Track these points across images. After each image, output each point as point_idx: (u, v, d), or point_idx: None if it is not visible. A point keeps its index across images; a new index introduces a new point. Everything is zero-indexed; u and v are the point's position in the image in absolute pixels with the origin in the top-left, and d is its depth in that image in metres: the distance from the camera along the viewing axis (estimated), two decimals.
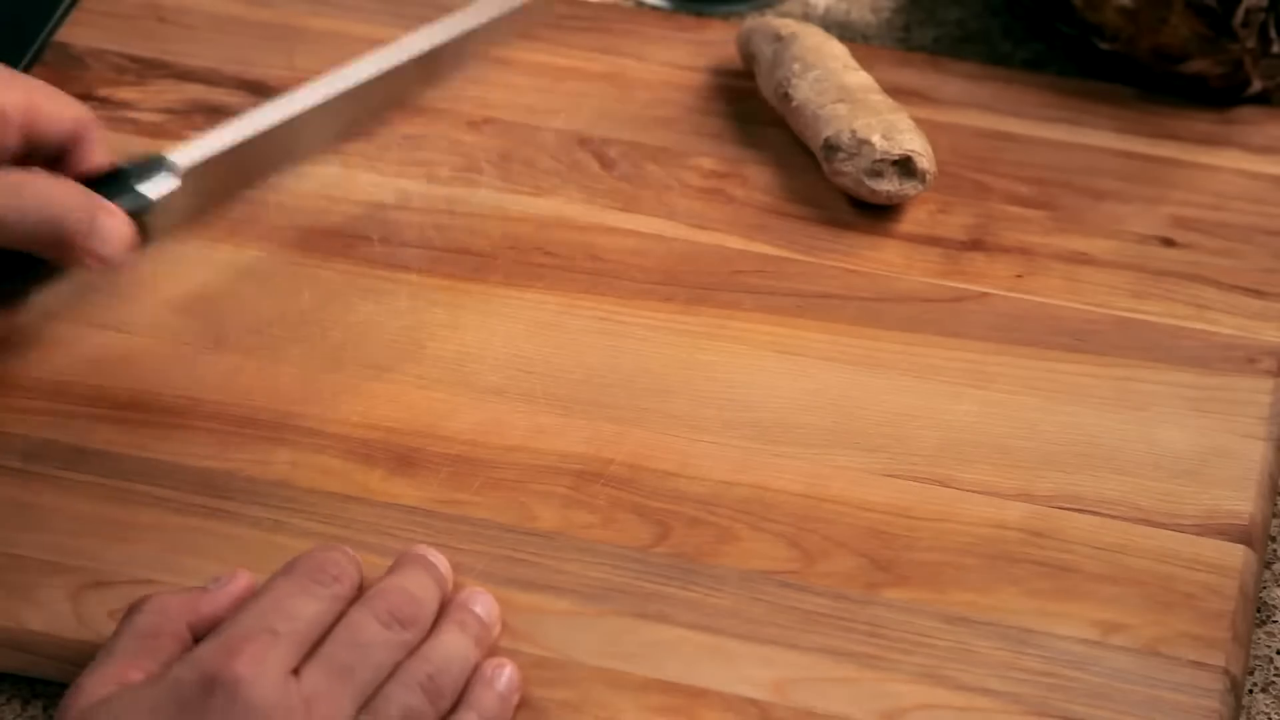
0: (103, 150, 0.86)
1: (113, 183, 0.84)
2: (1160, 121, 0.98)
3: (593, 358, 0.87)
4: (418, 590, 0.75)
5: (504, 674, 0.75)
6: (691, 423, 0.85)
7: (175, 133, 0.96)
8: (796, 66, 0.94)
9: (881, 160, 0.91)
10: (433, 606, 0.75)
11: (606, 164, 0.95)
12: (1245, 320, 0.89)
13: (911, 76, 0.99)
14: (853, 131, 0.91)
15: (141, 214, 0.85)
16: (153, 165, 0.86)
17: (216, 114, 0.96)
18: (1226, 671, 0.77)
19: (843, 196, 0.94)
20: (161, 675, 0.70)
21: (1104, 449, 0.84)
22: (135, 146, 0.91)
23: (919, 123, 0.95)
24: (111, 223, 0.83)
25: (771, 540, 0.81)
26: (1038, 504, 0.82)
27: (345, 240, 0.92)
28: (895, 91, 0.98)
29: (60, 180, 0.82)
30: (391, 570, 0.76)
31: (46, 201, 0.81)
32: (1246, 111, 0.98)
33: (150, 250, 0.86)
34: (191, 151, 0.87)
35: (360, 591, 0.75)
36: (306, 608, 0.73)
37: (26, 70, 0.99)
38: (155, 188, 0.86)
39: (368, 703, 0.71)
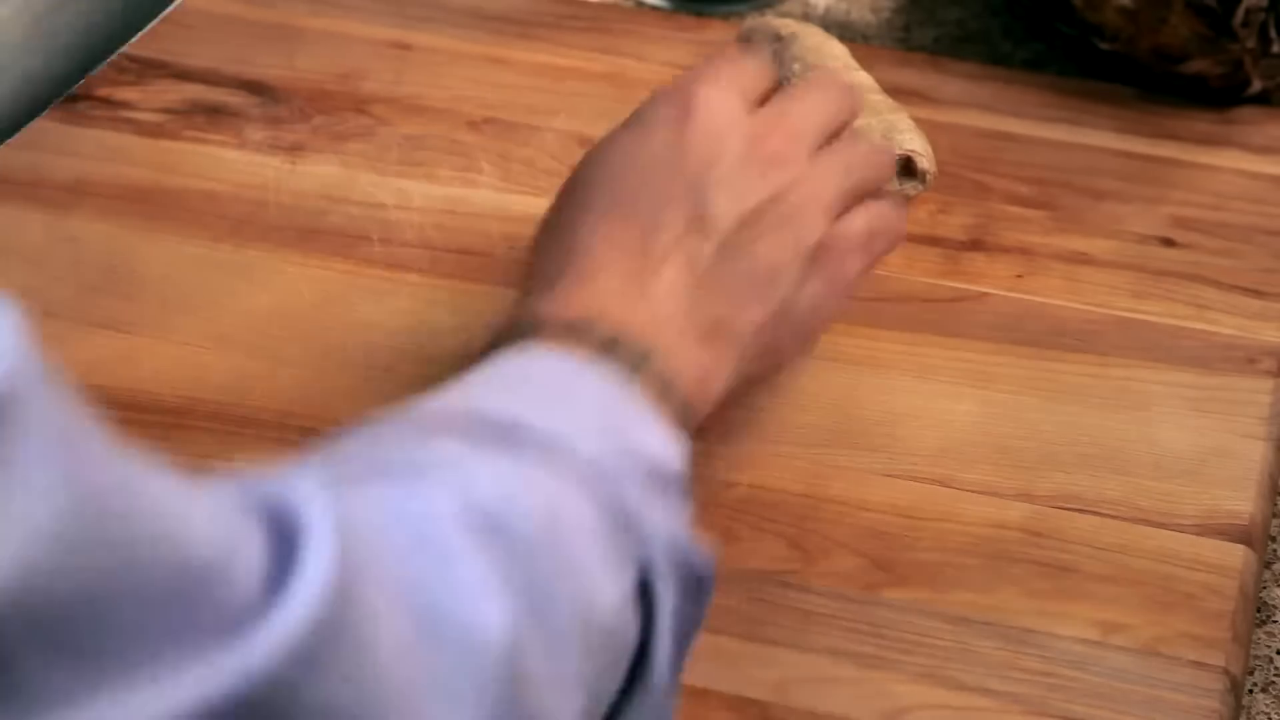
0: None
1: None
2: (1160, 121, 0.98)
3: None
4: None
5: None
6: None
7: (175, 133, 0.96)
8: (797, 66, 0.94)
9: None
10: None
11: None
12: (1245, 320, 0.89)
13: (911, 76, 0.99)
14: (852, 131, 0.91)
15: None
16: None
17: (216, 114, 0.97)
18: (1226, 671, 0.77)
19: None
20: (640, 108, 0.78)
21: (1104, 449, 0.84)
22: (135, 146, 0.91)
23: (919, 123, 0.95)
24: None
25: (771, 540, 0.81)
26: (1038, 504, 0.82)
27: (345, 240, 0.92)
28: (895, 91, 0.98)
29: None
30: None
31: None
32: (1246, 111, 0.98)
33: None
34: None
35: None
36: (747, 68, 0.79)
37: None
38: None
39: (827, 141, 0.78)
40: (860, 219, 0.78)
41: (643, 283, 0.73)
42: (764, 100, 0.79)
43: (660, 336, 0.71)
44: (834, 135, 0.79)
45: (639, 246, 0.73)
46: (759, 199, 0.75)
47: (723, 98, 0.76)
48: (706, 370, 0.73)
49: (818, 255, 0.76)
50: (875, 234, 0.79)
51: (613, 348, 0.70)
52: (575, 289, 0.72)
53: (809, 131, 0.78)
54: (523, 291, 0.74)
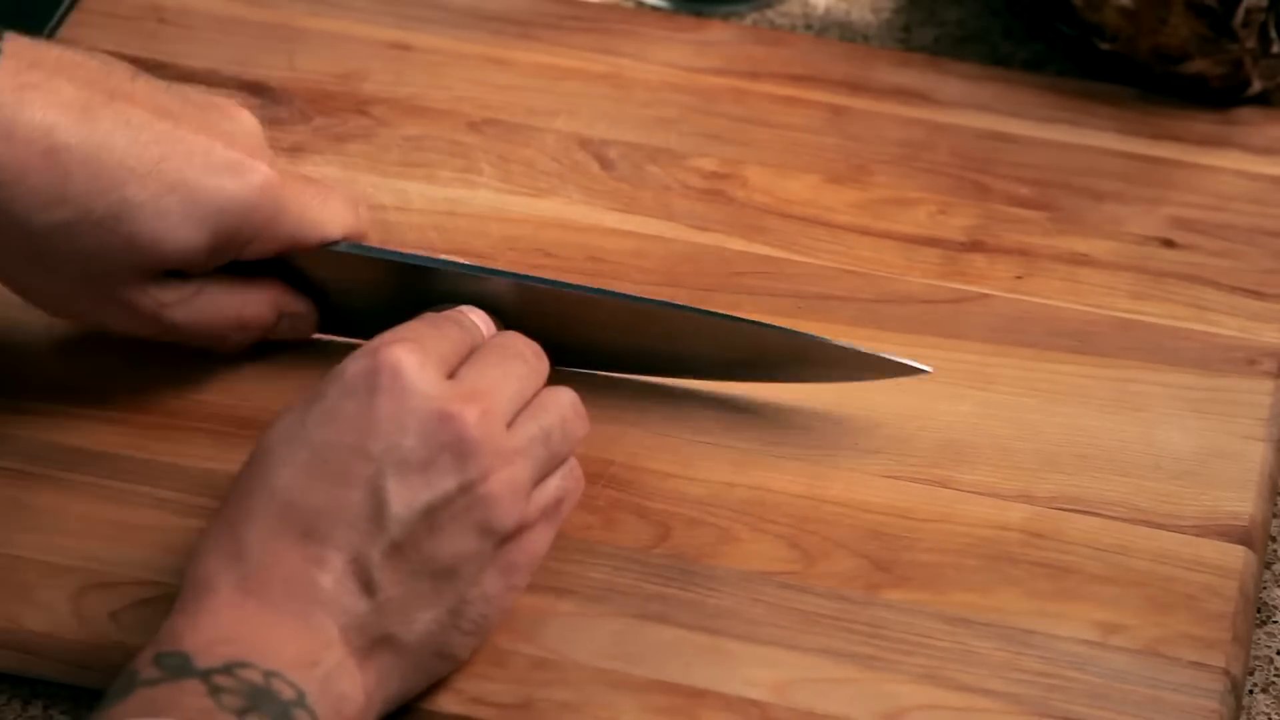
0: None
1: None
2: (1160, 122, 0.98)
3: None
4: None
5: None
6: (691, 423, 0.85)
7: None
8: None
9: None
10: None
11: (606, 165, 0.95)
12: (1245, 321, 0.89)
13: (911, 76, 0.99)
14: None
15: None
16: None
17: None
18: (1226, 672, 0.77)
19: (843, 198, 0.94)
20: (326, 376, 0.74)
21: (1104, 450, 0.84)
22: None
23: (919, 123, 0.96)
24: (294, 325, 0.85)
25: (771, 541, 0.81)
26: (1038, 505, 0.82)
27: None
28: (895, 92, 0.99)
29: (244, 299, 0.83)
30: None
31: (222, 333, 0.83)
32: (1246, 112, 0.98)
33: None
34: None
35: None
36: (450, 331, 0.77)
37: None
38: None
39: (522, 409, 0.76)
40: (552, 489, 0.76)
41: (303, 598, 0.70)
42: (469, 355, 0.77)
43: (317, 668, 0.69)
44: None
45: (304, 552, 0.70)
46: (445, 491, 0.72)
47: (419, 369, 0.73)
48: (368, 693, 0.71)
49: (505, 542, 0.74)
50: (565, 497, 0.77)
51: (259, 701, 0.67)
52: (227, 610, 0.70)
53: (509, 401, 0.75)
54: (185, 584, 0.71)
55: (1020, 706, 0.76)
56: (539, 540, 0.76)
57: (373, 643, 0.71)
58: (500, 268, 0.85)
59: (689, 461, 0.83)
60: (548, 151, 0.96)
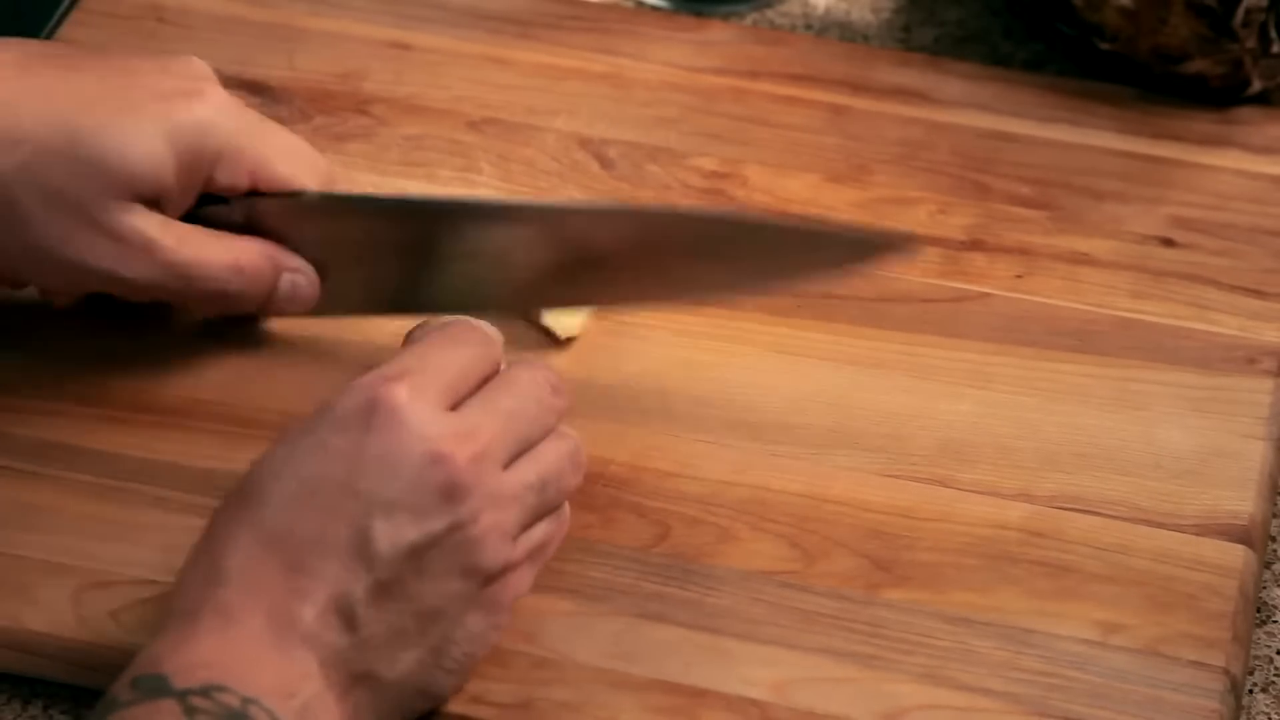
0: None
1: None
2: (1160, 121, 0.98)
3: (592, 358, 0.87)
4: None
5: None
6: (691, 423, 0.85)
7: None
8: None
9: None
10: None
11: (606, 164, 0.95)
12: (1246, 320, 0.89)
13: (911, 76, 0.99)
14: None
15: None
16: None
17: None
18: (1226, 671, 0.77)
19: (843, 197, 0.94)
20: (320, 406, 0.73)
21: (1104, 449, 0.84)
22: None
23: (919, 122, 0.96)
24: (288, 284, 0.83)
25: (771, 540, 0.81)
26: (1038, 504, 0.82)
27: None
28: (895, 91, 0.99)
29: (238, 246, 0.82)
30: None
31: (218, 278, 0.81)
32: (1246, 111, 0.98)
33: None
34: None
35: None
36: (458, 356, 0.75)
37: None
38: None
39: (523, 453, 0.74)
40: (539, 533, 0.76)
41: (284, 630, 0.69)
42: (479, 385, 0.75)
43: (294, 699, 0.68)
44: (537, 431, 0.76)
45: (288, 585, 0.70)
46: (432, 532, 0.71)
47: (414, 406, 0.72)
48: None
49: (490, 582, 0.73)
50: (550, 542, 0.77)
51: None
52: (207, 637, 0.69)
53: (511, 443, 0.74)
54: (167, 611, 0.71)
55: (1020, 706, 0.76)
56: (522, 581, 0.75)
57: (353, 678, 0.71)
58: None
59: (689, 461, 0.83)
60: (548, 151, 0.96)
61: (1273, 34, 0.95)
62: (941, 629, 0.78)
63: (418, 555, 0.71)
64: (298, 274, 0.83)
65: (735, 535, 0.81)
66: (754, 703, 0.76)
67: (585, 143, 0.96)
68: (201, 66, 0.81)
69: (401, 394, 0.72)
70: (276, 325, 0.88)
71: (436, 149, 0.96)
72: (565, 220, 0.82)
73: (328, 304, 0.85)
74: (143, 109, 0.78)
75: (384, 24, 1.01)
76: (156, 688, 0.67)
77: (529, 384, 0.76)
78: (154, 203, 0.80)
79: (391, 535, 0.70)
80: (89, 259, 0.80)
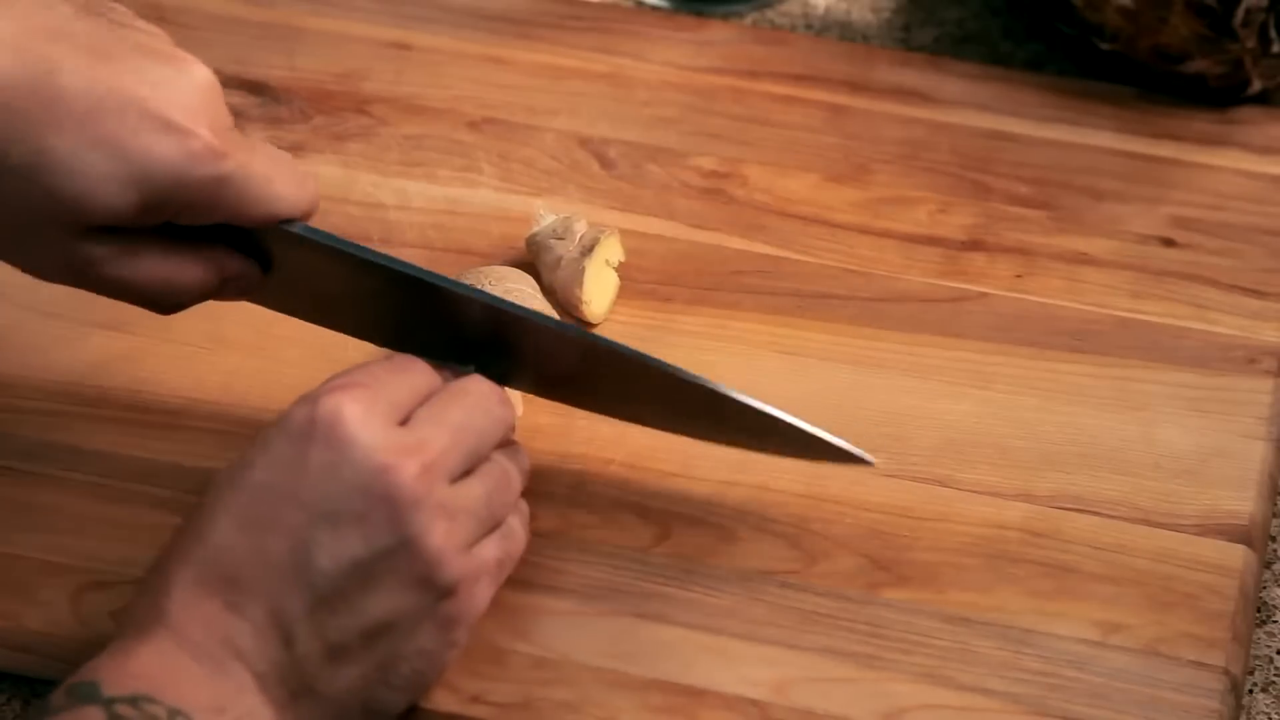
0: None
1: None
2: (1160, 121, 0.98)
3: None
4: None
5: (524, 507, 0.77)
6: None
7: None
8: None
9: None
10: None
11: (606, 164, 0.95)
12: (1245, 320, 0.89)
13: (911, 76, 0.99)
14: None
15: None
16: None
17: None
18: (1226, 671, 0.77)
19: (843, 197, 0.94)
20: (274, 421, 0.71)
21: (1104, 449, 0.84)
22: None
23: (919, 122, 0.96)
24: (236, 285, 0.79)
25: (772, 540, 0.81)
26: (1037, 504, 0.82)
27: None
28: (895, 91, 0.99)
29: (181, 253, 0.77)
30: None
31: (158, 283, 0.77)
32: (1246, 111, 0.98)
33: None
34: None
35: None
36: (406, 377, 0.73)
37: None
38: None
39: (472, 466, 0.73)
40: (492, 548, 0.73)
41: (219, 644, 0.69)
42: (423, 400, 0.73)
43: (225, 715, 0.68)
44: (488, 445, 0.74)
45: (225, 599, 0.69)
46: (380, 546, 0.69)
47: (361, 418, 0.70)
48: None
49: (445, 598, 0.71)
50: (506, 558, 0.75)
51: None
52: (145, 648, 0.68)
53: (460, 456, 0.72)
54: (121, 619, 0.70)
55: (1020, 706, 0.76)
56: (479, 597, 0.73)
57: (292, 694, 0.70)
58: (466, 272, 0.81)
59: (689, 461, 0.83)
60: (548, 151, 0.96)
61: (1273, 34, 0.95)
62: (941, 629, 0.78)
63: (364, 570, 0.70)
64: (241, 278, 0.78)
65: (736, 535, 0.81)
66: (754, 703, 0.76)
67: (585, 143, 0.96)
68: (205, 79, 0.74)
69: (349, 405, 0.70)
70: (277, 325, 0.88)
71: (436, 149, 0.96)
72: (529, 335, 0.78)
73: (274, 300, 0.81)
74: (118, 144, 0.72)
75: (384, 24, 1.02)
76: (86, 695, 0.67)
77: (478, 396, 0.74)
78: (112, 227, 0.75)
79: (334, 549, 0.69)
80: (30, 263, 0.76)
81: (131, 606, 0.70)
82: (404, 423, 0.72)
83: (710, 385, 0.77)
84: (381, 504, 0.69)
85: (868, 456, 0.79)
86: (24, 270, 0.77)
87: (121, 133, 0.72)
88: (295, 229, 0.77)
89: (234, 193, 0.74)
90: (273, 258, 0.79)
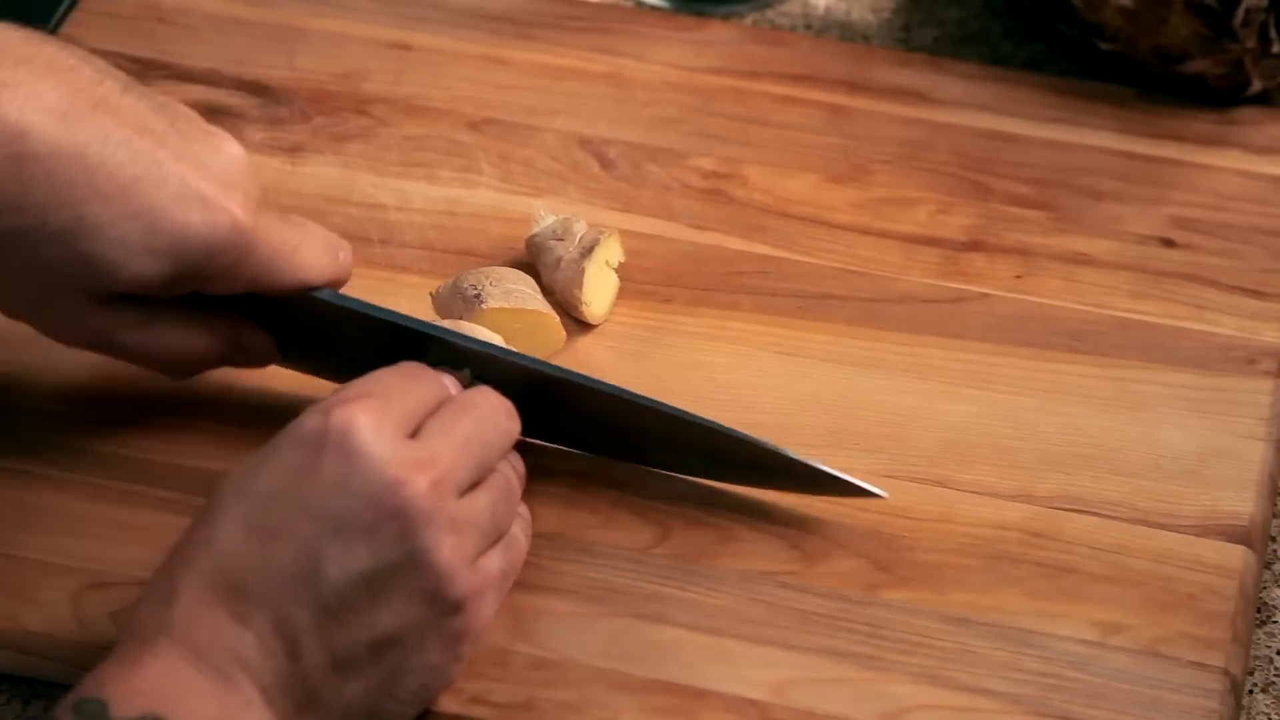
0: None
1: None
2: (1160, 121, 0.98)
3: (592, 358, 0.87)
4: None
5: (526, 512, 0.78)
6: None
7: None
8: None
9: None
10: None
11: (606, 164, 0.95)
12: (1245, 321, 0.89)
13: (911, 76, 0.99)
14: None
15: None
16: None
17: (217, 115, 0.96)
18: (1226, 672, 0.77)
19: (843, 197, 0.94)
20: (283, 431, 0.71)
21: (1104, 450, 0.84)
22: None
23: (919, 122, 0.96)
24: (248, 356, 0.82)
25: (771, 541, 0.81)
26: (1037, 505, 0.82)
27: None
28: (895, 91, 0.99)
29: (198, 323, 0.80)
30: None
31: (172, 352, 0.80)
32: (1246, 111, 0.98)
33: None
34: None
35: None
36: (416, 387, 0.74)
37: None
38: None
39: (480, 478, 0.73)
40: (496, 561, 0.74)
41: (226, 657, 0.69)
42: (434, 410, 0.74)
43: None
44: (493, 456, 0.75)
45: (231, 609, 0.69)
46: (389, 559, 0.70)
47: (373, 430, 0.70)
48: None
49: (453, 612, 0.72)
50: (509, 569, 0.75)
51: None
52: (152, 662, 0.68)
53: (468, 469, 0.73)
54: (125, 627, 0.70)
55: (1020, 706, 0.76)
56: (485, 610, 0.74)
57: (298, 706, 0.70)
58: (495, 341, 0.82)
59: None
60: (548, 151, 0.96)
61: (1273, 34, 0.95)
62: (941, 629, 0.78)
63: (373, 583, 0.70)
64: (254, 350, 0.82)
65: (735, 536, 0.81)
66: (754, 703, 0.76)
67: (585, 143, 0.96)
68: (239, 157, 0.77)
69: (361, 417, 0.71)
70: None
71: (436, 149, 0.96)
72: (553, 387, 0.80)
73: (303, 361, 0.83)
74: (155, 215, 0.75)
75: (384, 24, 1.02)
76: (96, 714, 0.67)
77: (486, 408, 0.75)
78: (133, 295, 0.77)
79: (343, 561, 0.69)
80: (49, 324, 0.79)
81: (136, 611, 0.70)
82: (415, 434, 0.72)
83: (758, 442, 0.80)
84: (392, 518, 0.70)
85: (879, 490, 0.80)
86: (42, 332, 0.80)
87: (159, 205, 0.75)
88: (322, 295, 0.80)
89: (260, 262, 0.77)
90: (297, 322, 0.81)
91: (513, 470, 0.76)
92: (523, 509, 0.77)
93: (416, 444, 0.72)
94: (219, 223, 0.75)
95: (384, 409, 0.71)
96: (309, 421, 0.71)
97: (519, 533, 0.76)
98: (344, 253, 0.81)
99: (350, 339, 0.81)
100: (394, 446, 0.71)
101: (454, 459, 0.72)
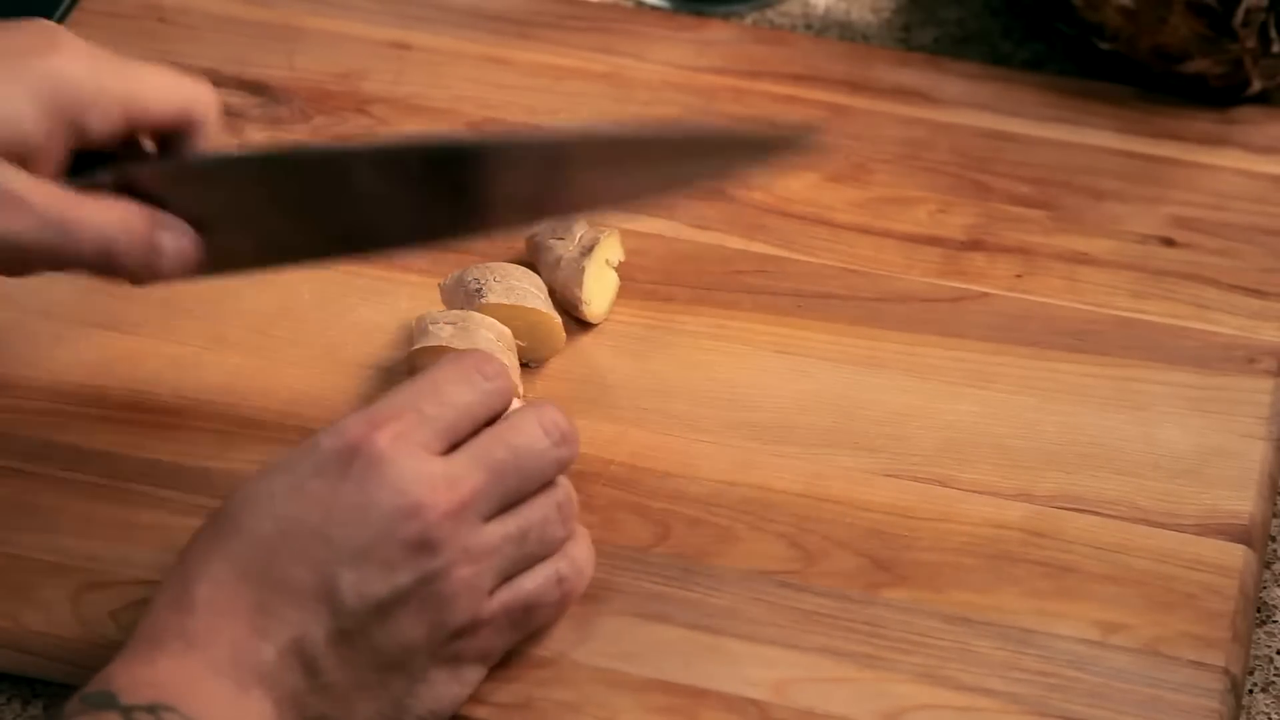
0: (215, 132, 0.81)
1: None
2: (1160, 121, 0.98)
3: (592, 358, 0.87)
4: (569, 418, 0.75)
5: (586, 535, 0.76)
6: (691, 423, 0.85)
7: None
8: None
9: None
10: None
11: None
12: (1245, 320, 0.89)
13: (911, 76, 0.99)
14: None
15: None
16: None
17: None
18: (1226, 671, 0.77)
19: (843, 196, 0.94)
20: (307, 443, 0.71)
21: (1104, 449, 0.84)
22: None
23: (919, 122, 0.96)
24: (171, 242, 0.78)
25: (771, 540, 0.81)
26: (1038, 504, 0.82)
27: None
28: (895, 91, 0.99)
29: (115, 205, 0.78)
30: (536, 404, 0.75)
31: (98, 232, 0.77)
32: (1246, 111, 0.98)
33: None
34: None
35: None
36: (461, 396, 0.73)
37: None
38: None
39: (511, 506, 0.72)
40: (523, 591, 0.73)
41: (243, 665, 0.69)
42: (485, 424, 0.73)
43: None
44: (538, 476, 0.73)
45: (252, 623, 0.69)
46: (401, 585, 0.70)
47: (395, 454, 0.70)
48: None
49: (457, 638, 0.72)
50: (538, 604, 0.74)
51: None
52: (165, 660, 0.68)
53: (492, 496, 0.72)
54: (134, 633, 0.70)
55: (1020, 706, 0.76)
56: (496, 641, 0.73)
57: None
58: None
59: (689, 461, 0.83)
60: None
61: (1273, 34, 0.95)
62: (941, 629, 0.78)
63: (384, 608, 0.70)
64: (178, 233, 0.78)
65: (735, 535, 0.81)
66: (754, 703, 0.76)
67: None
68: (53, 26, 0.78)
69: (383, 441, 0.70)
70: (277, 325, 0.88)
71: None
72: (452, 158, 0.77)
73: (217, 262, 0.80)
74: (13, 60, 0.75)
75: (384, 24, 1.02)
76: (103, 702, 0.67)
77: (531, 435, 0.73)
78: (22, 161, 0.76)
79: (359, 587, 0.69)
80: None
81: (147, 618, 0.70)
82: (454, 447, 0.72)
83: (617, 128, 0.80)
84: (406, 545, 0.70)
85: (801, 136, 0.78)
86: None
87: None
88: (203, 159, 0.78)
89: (126, 85, 0.77)
90: (199, 211, 0.79)
91: (557, 498, 0.74)
92: (582, 535, 0.76)
93: (445, 464, 0.71)
94: (62, 51, 0.76)
95: (413, 429, 0.71)
96: (330, 444, 0.71)
97: (571, 562, 0.75)
98: (206, 88, 0.80)
99: (250, 202, 0.79)
100: (413, 471, 0.70)
101: (481, 486, 0.71)
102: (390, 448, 0.70)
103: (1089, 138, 0.97)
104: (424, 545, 0.70)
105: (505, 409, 0.74)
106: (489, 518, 0.72)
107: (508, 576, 0.73)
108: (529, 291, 0.85)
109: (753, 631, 0.78)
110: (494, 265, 0.86)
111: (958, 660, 0.77)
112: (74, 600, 0.78)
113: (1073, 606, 0.79)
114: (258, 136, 0.96)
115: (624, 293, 0.89)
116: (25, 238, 0.76)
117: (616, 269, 0.89)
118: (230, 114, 0.97)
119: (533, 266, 0.88)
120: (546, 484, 0.74)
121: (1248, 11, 0.95)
